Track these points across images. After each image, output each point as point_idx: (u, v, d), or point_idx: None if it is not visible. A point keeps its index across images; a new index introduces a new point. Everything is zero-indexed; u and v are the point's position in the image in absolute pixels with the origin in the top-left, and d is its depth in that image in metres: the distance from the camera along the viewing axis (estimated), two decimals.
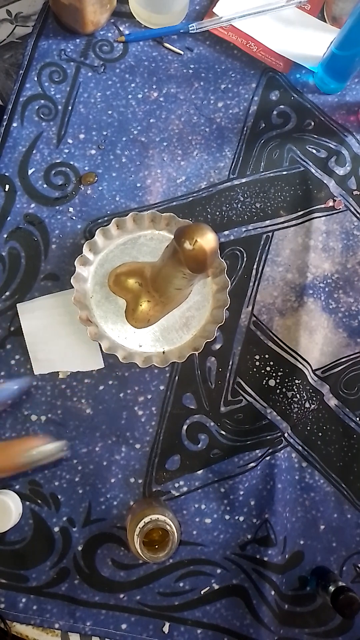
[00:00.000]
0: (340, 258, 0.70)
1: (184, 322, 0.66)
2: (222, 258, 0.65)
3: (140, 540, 0.57)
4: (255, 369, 0.68)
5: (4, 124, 0.69)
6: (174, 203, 0.69)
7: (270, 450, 0.66)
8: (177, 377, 0.67)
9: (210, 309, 0.67)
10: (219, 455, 0.66)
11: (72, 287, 0.63)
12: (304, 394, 0.67)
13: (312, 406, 0.68)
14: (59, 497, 0.65)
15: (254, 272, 0.69)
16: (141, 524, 0.57)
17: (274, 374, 0.68)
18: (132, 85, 0.71)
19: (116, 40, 0.72)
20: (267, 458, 0.66)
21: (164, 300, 0.62)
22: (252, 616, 0.64)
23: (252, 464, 0.66)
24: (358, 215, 0.71)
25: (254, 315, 0.68)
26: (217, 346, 0.68)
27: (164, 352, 0.65)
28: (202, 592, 0.65)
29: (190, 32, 0.72)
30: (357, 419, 0.68)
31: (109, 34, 0.72)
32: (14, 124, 0.69)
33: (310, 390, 0.68)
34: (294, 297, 0.69)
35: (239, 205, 0.70)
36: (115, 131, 0.70)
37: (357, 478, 0.67)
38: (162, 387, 0.67)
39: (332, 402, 0.68)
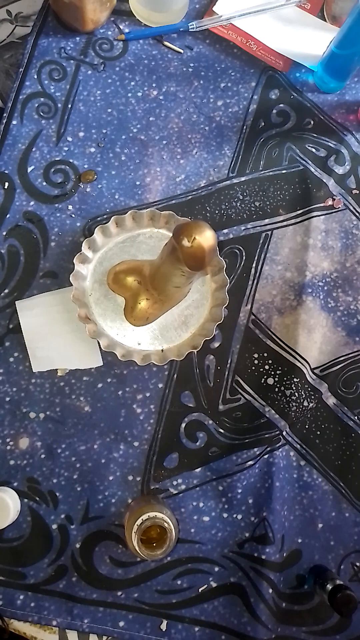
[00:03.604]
0: (339, 257, 0.70)
1: (182, 321, 0.66)
2: (221, 256, 0.65)
3: (138, 537, 0.57)
4: (253, 368, 0.68)
5: (4, 121, 0.69)
6: (173, 201, 0.69)
7: (268, 449, 0.66)
8: (175, 375, 0.67)
9: (209, 308, 0.67)
10: (217, 453, 0.66)
11: (71, 285, 0.63)
12: (303, 393, 0.67)
13: (311, 405, 0.68)
14: (57, 494, 0.65)
15: (252, 270, 0.69)
16: (139, 522, 0.57)
17: (272, 373, 0.68)
18: (132, 83, 0.71)
19: (116, 39, 0.72)
20: (266, 456, 0.66)
21: (163, 298, 0.62)
22: (249, 614, 0.64)
23: (250, 462, 0.66)
24: (357, 214, 0.71)
25: (253, 314, 0.69)
26: (216, 344, 0.68)
27: (162, 350, 0.65)
28: (199, 590, 0.64)
29: (190, 30, 0.72)
30: (356, 417, 0.68)
31: (109, 32, 0.72)
32: (14, 122, 0.69)
33: (309, 389, 0.68)
34: (292, 295, 0.69)
35: (238, 204, 0.70)
36: (114, 129, 0.70)
37: (355, 477, 0.68)
38: (160, 385, 0.67)
39: (331, 400, 0.68)
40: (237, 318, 0.68)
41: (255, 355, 0.68)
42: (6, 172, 0.68)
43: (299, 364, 0.67)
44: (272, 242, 0.70)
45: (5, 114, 0.69)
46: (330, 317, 0.69)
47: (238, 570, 0.65)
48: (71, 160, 0.69)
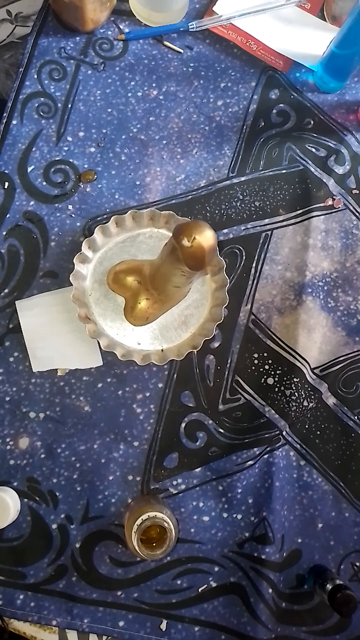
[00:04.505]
0: (339, 257, 0.70)
1: (182, 320, 0.66)
2: (221, 256, 0.65)
3: (138, 537, 0.57)
4: (253, 367, 0.68)
5: (4, 121, 0.69)
6: (173, 201, 0.69)
7: (268, 449, 0.66)
8: (175, 375, 0.67)
9: (209, 307, 0.67)
10: (217, 453, 0.66)
11: (71, 285, 0.63)
12: (303, 393, 0.67)
13: (311, 404, 0.68)
14: (57, 494, 0.65)
15: (252, 270, 0.69)
16: (139, 521, 0.57)
17: (272, 373, 0.68)
18: (132, 83, 0.71)
19: (116, 39, 0.72)
20: (265, 456, 0.66)
21: (163, 298, 0.62)
22: (249, 614, 0.64)
23: (250, 462, 0.66)
24: (357, 214, 0.71)
25: (253, 314, 0.69)
26: (216, 344, 0.68)
27: (162, 350, 0.65)
28: (199, 590, 0.64)
29: (190, 30, 0.72)
30: (356, 417, 0.68)
31: (109, 32, 0.72)
32: (14, 122, 0.69)
33: (309, 389, 0.68)
34: (292, 295, 0.69)
35: (238, 204, 0.70)
36: (114, 129, 0.70)
37: (355, 476, 0.68)
38: (160, 385, 0.67)
39: (331, 400, 0.68)
40: (237, 318, 0.68)
41: (255, 355, 0.68)
42: (6, 172, 0.68)
43: (298, 364, 0.67)
44: (272, 242, 0.70)
45: (5, 114, 0.69)
46: (330, 317, 0.69)
47: (238, 570, 0.65)
48: (71, 160, 0.69)
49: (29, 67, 0.70)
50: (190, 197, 0.70)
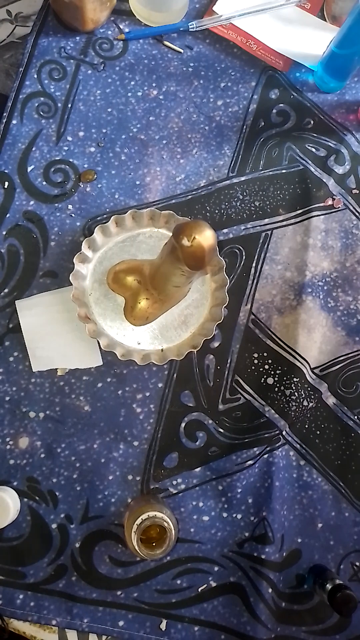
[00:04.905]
0: (339, 257, 0.71)
1: (182, 320, 0.66)
2: (221, 256, 0.65)
3: (137, 537, 0.57)
4: (253, 367, 0.68)
5: (4, 121, 0.69)
6: (173, 201, 0.69)
7: (268, 448, 0.66)
8: (175, 375, 0.67)
9: (208, 307, 0.67)
10: (216, 453, 0.66)
11: (71, 285, 0.63)
12: (302, 392, 0.67)
13: (310, 404, 0.68)
14: (57, 494, 0.65)
15: (252, 270, 0.69)
16: (139, 521, 0.57)
17: (272, 372, 0.68)
18: (132, 83, 0.71)
19: (116, 38, 0.72)
20: (265, 456, 0.66)
21: (163, 297, 0.62)
22: (249, 614, 0.64)
23: (250, 462, 0.66)
24: (357, 214, 0.71)
25: (253, 314, 0.69)
26: (216, 344, 0.68)
27: (162, 350, 0.65)
28: (199, 590, 0.64)
29: (190, 30, 0.72)
30: (355, 417, 0.68)
31: (109, 32, 0.72)
32: (14, 121, 0.69)
33: (309, 389, 0.68)
34: (292, 295, 0.69)
35: (238, 204, 0.70)
36: (114, 129, 0.70)
37: (355, 476, 0.68)
38: (160, 385, 0.67)
39: (331, 400, 0.68)
40: (237, 318, 0.68)
41: (255, 355, 0.68)
42: (6, 171, 0.68)
43: (298, 364, 0.67)
44: (272, 242, 0.70)
45: (5, 114, 0.69)
46: (330, 316, 0.69)
47: (238, 569, 0.65)
48: (71, 160, 0.69)
49: (29, 67, 0.70)
50: (190, 196, 0.70)
